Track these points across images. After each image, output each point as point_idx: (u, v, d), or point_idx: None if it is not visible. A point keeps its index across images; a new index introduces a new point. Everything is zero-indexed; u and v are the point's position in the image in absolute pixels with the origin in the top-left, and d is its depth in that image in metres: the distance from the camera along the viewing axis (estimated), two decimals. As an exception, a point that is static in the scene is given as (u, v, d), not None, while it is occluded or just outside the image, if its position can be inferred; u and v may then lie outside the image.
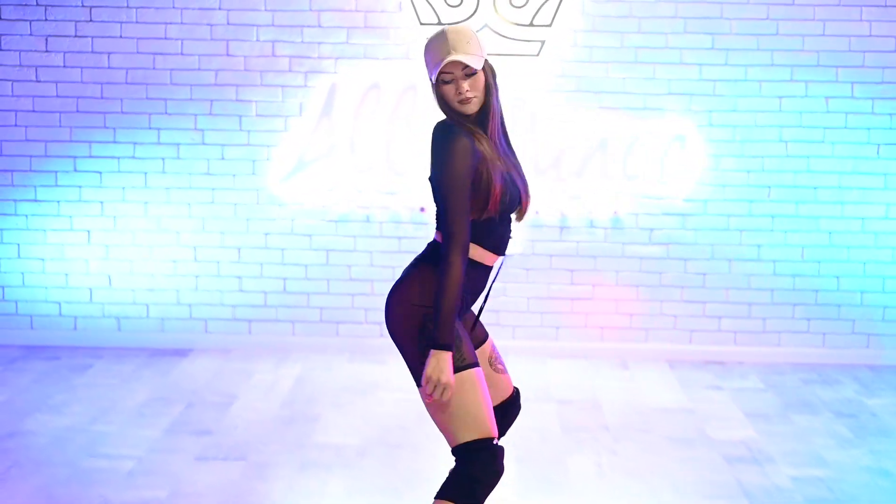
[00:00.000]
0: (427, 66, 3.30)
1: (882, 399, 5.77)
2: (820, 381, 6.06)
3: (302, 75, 6.31)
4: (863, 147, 6.32)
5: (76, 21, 6.28)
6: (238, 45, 6.31)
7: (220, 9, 6.28)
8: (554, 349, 6.44)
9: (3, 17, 6.28)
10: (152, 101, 6.35)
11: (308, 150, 6.31)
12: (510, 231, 3.42)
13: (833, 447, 5.00)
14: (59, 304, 6.50)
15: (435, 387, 3.14)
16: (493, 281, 3.52)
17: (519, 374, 5.14)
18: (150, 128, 6.37)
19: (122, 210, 6.44)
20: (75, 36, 6.30)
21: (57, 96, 6.35)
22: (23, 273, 6.48)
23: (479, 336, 3.56)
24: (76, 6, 6.27)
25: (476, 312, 3.57)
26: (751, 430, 5.23)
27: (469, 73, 3.23)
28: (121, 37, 6.30)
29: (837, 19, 6.22)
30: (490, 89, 3.29)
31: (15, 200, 6.42)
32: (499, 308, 6.37)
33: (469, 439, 3.23)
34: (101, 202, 6.43)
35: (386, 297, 3.42)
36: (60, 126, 6.37)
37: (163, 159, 6.40)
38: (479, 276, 3.37)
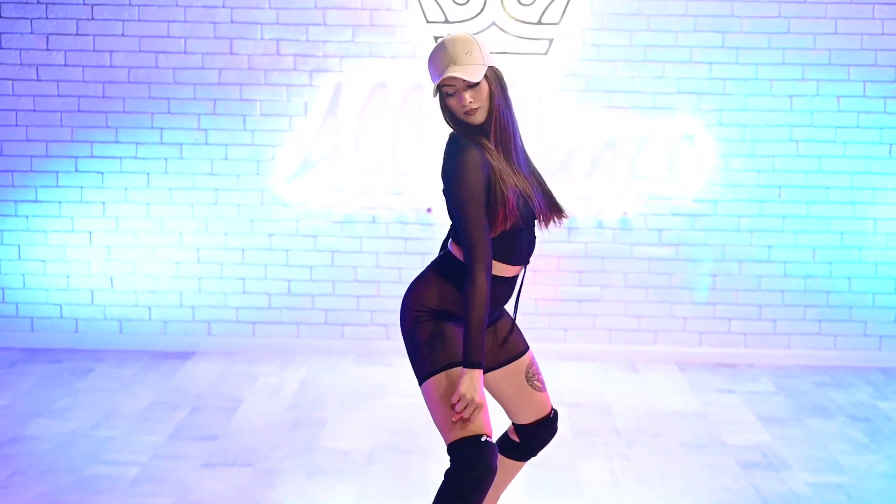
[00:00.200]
0: (431, 78, 3.25)
1: (896, 402, 5.71)
2: (832, 384, 5.99)
3: (307, 74, 6.23)
4: (875, 147, 6.25)
5: (77, 19, 6.20)
6: (242, 43, 6.22)
7: (223, 7, 6.19)
8: (562, 351, 6.36)
9: (3, 15, 6.19)
10: (155, 100, 6.26)
11: (313, 149, 6.23)
12: (532, 240, 3.35)
13: (849, 452, 4.92)
14: (61, 306, 6.42)
15: (466, 406, 3.11)
16: (520, 290, 3.46)
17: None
18: (152, 127, 6.29)
19: (124, 211, 6.35)
20: (77, 34, 6.22)
21: (58, 95, 6.26)
22: (23, 275, 6.39)
23: (519, 347, 3.49)
24: (77, 4, 6.18)
25: (511, 321, 3.52)
26: (765, 434, 5.15)
27: (470, 84, 3.17)
28: (123, 35, 6.22)
29: (849, 17, 6.14)
30: (494, 97, 3.22)
31: (15, 201, 6.34)
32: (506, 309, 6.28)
33: (458, 437, 3.18)
34: (103, 203, 6.34)
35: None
36: (61, 126, 6.29)
37: (165, 159, 6.31)
38: (498, 288, 3.30)
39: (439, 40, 3.25)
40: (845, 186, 6.28)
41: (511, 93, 3.34)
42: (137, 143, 6.30)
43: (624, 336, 6.41)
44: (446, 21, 6.09)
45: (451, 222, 3.32)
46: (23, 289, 6.40)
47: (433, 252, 6.28)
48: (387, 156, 6.22)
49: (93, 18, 6.20)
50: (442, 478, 3.23)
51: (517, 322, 3.58)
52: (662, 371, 6.19)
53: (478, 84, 3.18)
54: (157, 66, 6.24)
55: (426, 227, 6.31)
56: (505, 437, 3.61)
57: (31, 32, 6.20)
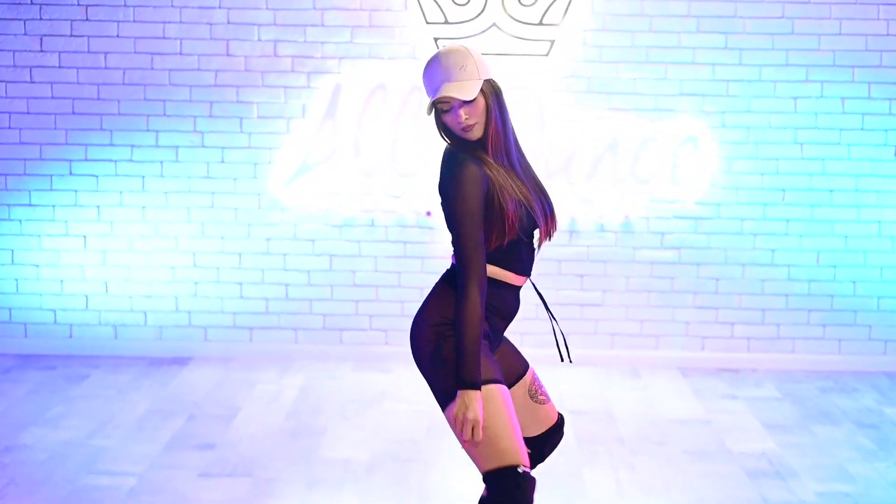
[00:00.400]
0: (426, 92, 3.19)
1: (902, 408, 5.64)
2: (837, 390, 5.92)
3: (305, 76, 6.15)
4: (880, 149, 6.18)
5: (72, 20, 6.11)
6: (239, 44, 6.14)
7: (220, 7, 6.11)
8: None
9: (-4, 16, 6.12)
10: (150, 102, 6.18)
11: (311, 152, 6.15)
12: (532, 251, 3.28)
13: (857, 460, 4.84)
14: (55, 311, 6.33)
15: (463, 427, 3.00)
16: (554, 320, 3.40)
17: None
18: (148, 130, 6.20)
19: (120, 215, 6.26)
20: (71, 35, 6.13)
21: (52, 97, 6.17)
22: (17, 280, 6.30)
23: (521, 367, 3.42)
24: (72, 5, 6.09)
25: (561, 344, 3.46)
26: (771, 442, 5.07)
27: (466, 101, 3.09)
28: (118, 36, 6.13)
29: (854, 18, 6.07)
30: (491, 111, 3.14)
31: (9, 205, 6.24)
32: (507, 315, 6.21)
33: (493, 467, 3.07)
34: (98, 206, 6.25)
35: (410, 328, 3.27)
36: (56, 128, 6.20)
37: (161, 162, 6.23)
38: (506, 298, 3.23)
39: (433, 55, 3.17)
40: (850, 189, 6.21)
41: (508, 100, 3.26)
42: (133, 146, 6.21)
43: (626, 341, 6.33)
44: (446, 22, 6.01)
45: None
46: (16, 294, 6.31)
47: (432, 256, 6.22)
48: (386, 158, 6.14)
49: (87, 19, 6.11)
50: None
51: (563, 332, 3.50)
52: (665, 376, 6.12)
53: (473, 100, 3.10)
54: (152, 68, 6.15)
55: (426, 231, 6.24)
56: None
57: (25, 34, 6.11)
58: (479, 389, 3.01)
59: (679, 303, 6.30)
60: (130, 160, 6.22)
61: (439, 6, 6.00)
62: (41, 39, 6.12)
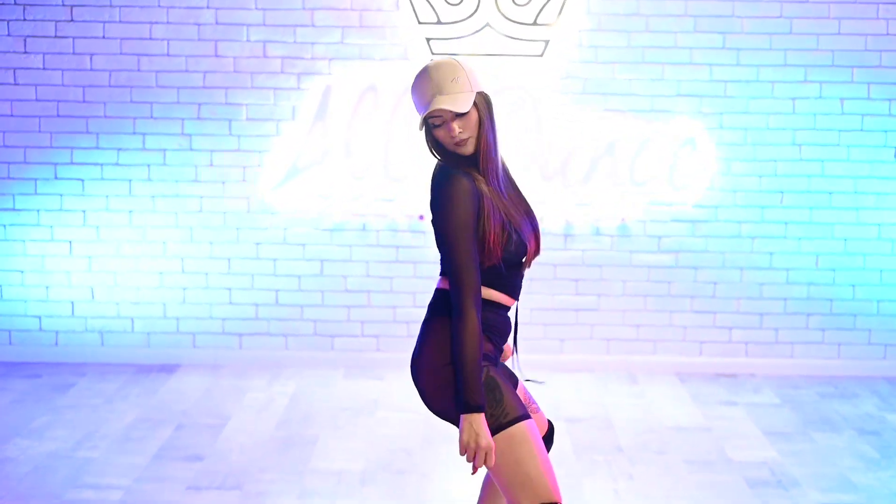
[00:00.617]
0: (416, 108, 3.05)
1: (904, 414, 5.55)
2: (837, 395, 5.82)
3: (295, 77, 6.04)
4: (879, 150, 6.09)
5: (56, 21, 5.99)
6: (227, 45, 6.02)
7: (208, 7, 6.00)
8: (559, 363, 6.18)
9: (-22, 16, 5.99)
10: (137, 104, 6.06)
11: (301, 155, 6.04)
12: (522, 277, 3.16)
13: (860, 469, 4.74)
14: (40, 318, 6.20)
15: (475, 454, 2.87)
16: (516, 328, 3.27)
17: (529, 394, 4.88)
18: (134, 133, 6.08)
19: (106, 219, 6.14)
20: (55, 36, 6.00)
21: (36, 100, 6.05)
22: (1, 286, 6.18)
23: (511, 380, 3.30)
24: (56, 5, 5.97)
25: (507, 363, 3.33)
26: (771, 450, 4.97)
27: (458, 114, 2.97)
28: (104, 37, 6.01)
29: (853, 17, 5.98)
30: (483, 125, 3.02)
31: (-8, 209, 6.14)
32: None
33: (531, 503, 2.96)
34: (84, 211, 6.13)
35: (410, 365, 3.12)
36: (40, 131, 6.07)
37: (148, 166, 6.11)
38: (502, 318, 3.12)
39: (422, 68, 3.04)
40: (849, 191, 6.12)
41: (502, 103, 3.13)
42: (119, 150, 6.09)
43: (622, 346, 6.23)
44: (439, 22, 5.90)
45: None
46: (0, 300, 6.18)
47: (425, 260, 6.11)
48: (377, 161, 6.03)
49: (72, 20, 5.99)
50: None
51: (518, 358, 3.37)
52: (662, 382, 6.02)
53: (466, 113, 2.99)
54: (139, 70, 6.03)
55: (418, 235, 6.13)
56: None
57: (9, 34, 5.99)
58: (484, 412, 2.89)
59: (676, 307, 6.20)
60: (117, 164, 6.10)
61: (432, 6, 5.89)
62: (25, 40, 6.00)
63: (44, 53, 6.02)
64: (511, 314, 3.22)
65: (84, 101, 6.05)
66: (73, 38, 6.01)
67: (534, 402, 3.33)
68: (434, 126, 3.02)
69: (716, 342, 6.22)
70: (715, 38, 6.01)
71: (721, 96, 6.05)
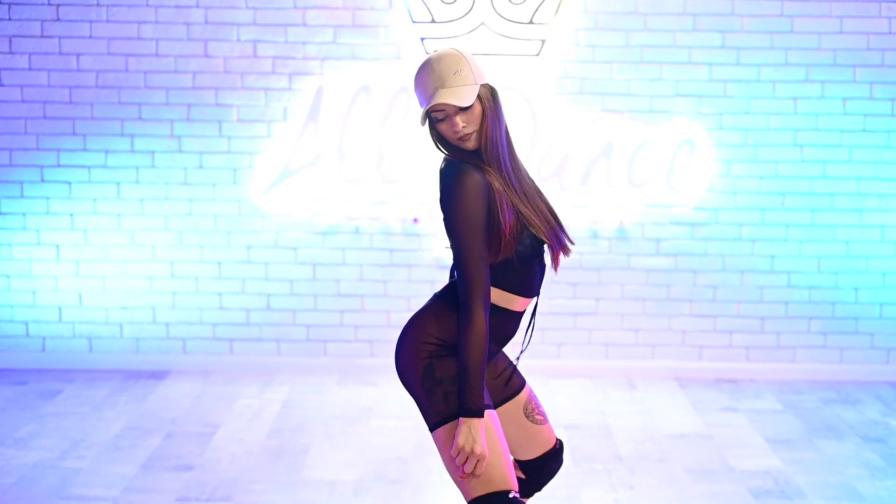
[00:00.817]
0: (419, 102, 2.96)
1: (909, 421, 5.44)
2: (840, 401, 5.71)
3: (286, 77, 5.92)
4: (882, 151, 5.99)
5: (42, 20, 5.86)
6: (217, 45, 5.90)
7: (197, 6, 5.88)
8: (556, 368, 6.07)
9: (-38, 16, 5.87)
10: (125, 105, 5.94)
11: (293, 157, 5.92)
12: (543, 267, 3.05)
13: (866, 478, 4.63)
14: (27, 324, 6.08)
15: (467, 461, 2.79)
16: (532, 326, 3.18)
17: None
18: (122, 134, 5.96)
19: (94, 223, 6.01)
20: (41, 36, 5.88)
21: (22, 101, 5.93)
22: (-13, 291, 6.07)
23: (517, 383, 3.21)
24: (42, 4, 5.85)
25: (514, 360, 3.24)
26: (775, 458, 4.86)
27: (462, 108, 2.88)
28: (91, 37, 5.88)
29: (855, 16, 5.88)
30: (487, 117, 2.92)
31: (-23, 213, 6.02)
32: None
33: (482, 493, 2.88)
34: (71, 214, 6.01)
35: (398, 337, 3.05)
36: (26, 133, 5.95)
37: (137, 168, 5.98)
38: (502, 324, 3.01)
39: (424, 60, 2.95)
40: (851, 193, 6.01)
41: (504, 107, 3.03)
42: (107, 152, 5.97)
43: (620, 351, 6.12)
44: (433, 21, 5.79)
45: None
46: (-14, 306, 6.08)
47: (419, 265, 6.00)
48: (371, 163, 5.91)
49: (58, 19, 5.87)
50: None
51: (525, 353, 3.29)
52: (662, 388, 5.91)
53: (470, 107, 2.88)
54: (127, 70, 5.91)
55: (412, 239, 6.02)
56: None
57: (-7, 34, 5.88)
58: (483, 417, 2.80)
59: (675, 311, 6.09)
60: (104, 166, 5.98)
61: (426, 5, 5.78)
62: (10, 40, 5.88)
63: (29, 54, 5.90)
64: (529, 311, 3.12)
65: (71, 103, 5.93)
66: (60, 37, 5.89)
67: (541, 413, 3.24)
68: (437, 120, 2.92)
69: (716, 347, 6.12)
70: (714, 36, 5.91)
71: (721, 96, 5.94)
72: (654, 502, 4.37)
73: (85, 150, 5.97)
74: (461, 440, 2.80)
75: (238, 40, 5.91)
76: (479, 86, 2.91)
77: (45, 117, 5.95)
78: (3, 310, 6.06)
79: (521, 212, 2.94)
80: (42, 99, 5.93)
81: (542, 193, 3.07)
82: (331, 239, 6.04)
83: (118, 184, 6.00)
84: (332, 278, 6.07)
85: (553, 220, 3.04)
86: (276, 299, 6.09)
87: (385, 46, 5.90)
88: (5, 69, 5.90)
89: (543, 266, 3.08)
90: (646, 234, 6.04)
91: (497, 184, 2.91)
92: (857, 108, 5.95)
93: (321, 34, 5.91)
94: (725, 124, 5.96)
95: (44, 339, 6.09)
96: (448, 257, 5.57)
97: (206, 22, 5.89)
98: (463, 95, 2.87)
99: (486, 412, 2.90)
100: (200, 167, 6.00)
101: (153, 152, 5.98)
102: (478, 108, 2.91)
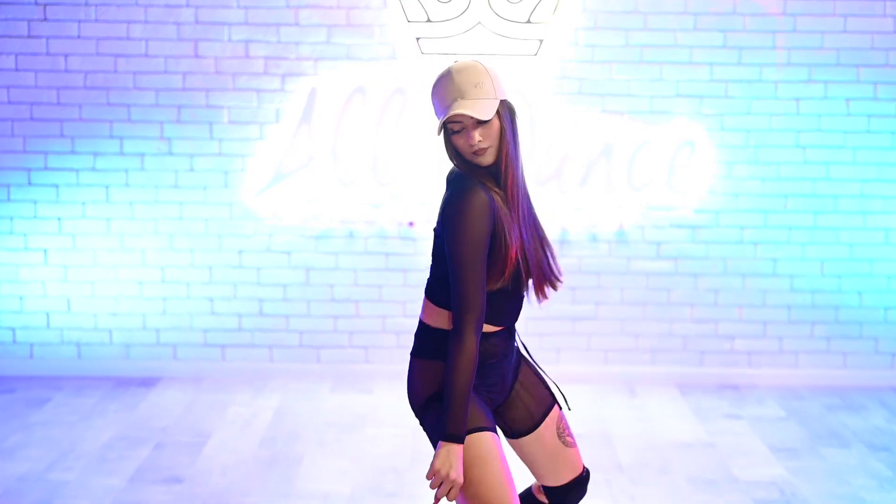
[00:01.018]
0: (435, 111, 2.86)
1: (915, 428, 5.33)
2: (844, 407, 5.60)
3: (279, 78, 5.81)
4: (886, 153, 5.88)
5: (29, 20, 5.75)
6: (208, 45, 5.79)
7: (187, 6, 5.76)
8: (555, 373, 5.89)
9: (-53, 15, 5.75)
10: (114, 107, 5.82)
11: (286, 159, 5.81)
12: (520, 300, 2.95)
13: (873, 488, 4.52)
14: (14, 330, 5.96)
15: (442, 485, 2.71)
16: (527, 350, 3.09)
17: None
18: (111, 136, 5.85)
19: (82, 227, 5.90)
20: (28, 36, 5.76)
21: (9, 102, 5.82)
22: (-27, 296, 5.95)
23: (548, 399, 3.10)
24: (29, 4, 5.74)
25: (534, 369, 3.14)
26: (779, 467, 4.75)
27: (480, 121, 2.77)
28: (79, 37, 5.77)
29: (859, 15, 5.78)
30: (505, 136, 2.82)
31: (-37, 217, 5.90)
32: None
33: None
34: (59, 218, 5.89)
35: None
36: (13, 135, 5.84)
37: (126, 171, 5.87)
38: (484, 349, 2.91)
39: (445, 69, 2.84)
40: (855, 195, 5.91)
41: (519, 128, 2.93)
42: (95, 154, 5.86)
43: (620, 356, 6.01)
44: (428, 20, 5.67)
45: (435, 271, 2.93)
46: (-28, 312, 5.96)
47: (414, 269, 5.89)
48: (365, 166, 5.80)
49: (46, 19, 5.75)
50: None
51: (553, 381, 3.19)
52: (662, 394, 5.79)
53: (488, 121, 2.77)
54: (116, 71, 5.80)
55: (408, 242, 5.90)
56: (529, 494, 3.23)
57: (-21, 34, 5.77)
58: (463, 443, 2.71)
59: (676, 316, 5.99)
60: (93, 169, 5.87)
61: (421, 4, 5.66)
62: (-4, 41, 5.78)
63: (16, 54, 5.78)
64: (507, 336, 3.01)
65: (59, 104, 5.82)
66: (47, 37, 5.78)
67: (570, 436, 3.12)
68: (453, 132, 2.81)
69: (717, 352, 6.01)
70: (716, 36, 5.80)
71: (722, 97, 5.84)
72: (657, 514, 4.27)
73: (73, 152, 5.86)
74: (437, 463, 2.71)
75: (229, 40, 5.80)
76: (499, 101, 2.81)
77: (32, 119, 5.83)
78: (-11, 316, 5.96)
79: (522, 240, 2.86)
80: (29, 100, 5.82)
81: (538, 223, 2.97)
82: (324, 243, 5.93)
83: (107, 187, 5.89)
84: (325, 283, 5.96)
85: (542, 254, 2.93)
86: (269, 304, 5.97)
87: (380, 46, 5.79)
88: (-9, 70, 5.80)
89: (520, 299, 2.96)
90: (646, 237, 5.94)
91: (503, 207, 2.82)
92: (860, 108, 5.85)
93: (314, 34, 5.79)
94: (727, 125, 5.86)
95: (31, 345, 5.98)
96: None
97: (197, 21, 5.78)
98: (482, 109, 2.76)
99: (489, 436, 2.82)
100: (191, 170, 5.88)
101: (143, 155, 5.87)
102: (496, 124, 2.81)
